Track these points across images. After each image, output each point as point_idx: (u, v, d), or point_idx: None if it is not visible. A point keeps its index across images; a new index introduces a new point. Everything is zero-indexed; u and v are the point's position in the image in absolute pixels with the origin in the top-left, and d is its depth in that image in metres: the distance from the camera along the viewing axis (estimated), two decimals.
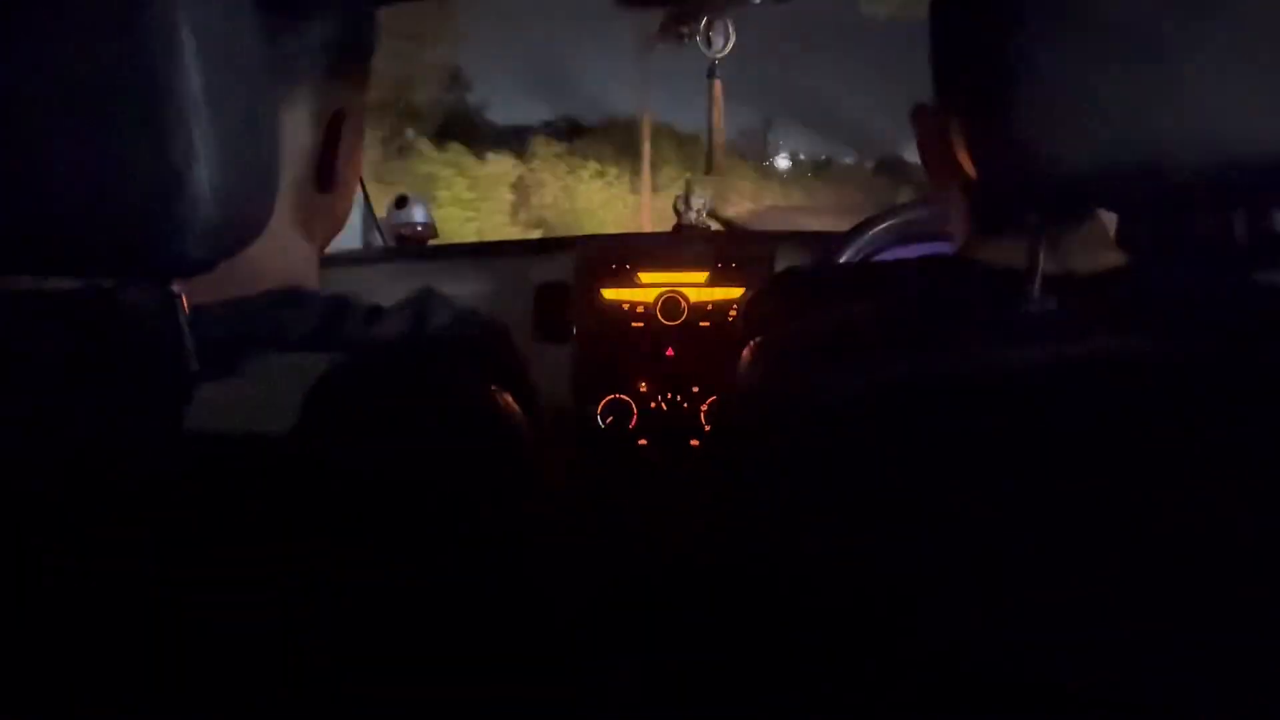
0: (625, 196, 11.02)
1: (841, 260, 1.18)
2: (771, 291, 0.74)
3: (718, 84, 1.31)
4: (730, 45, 1.26)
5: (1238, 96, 0.42)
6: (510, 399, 0.63)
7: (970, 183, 0.56)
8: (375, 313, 0.59)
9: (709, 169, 1.34)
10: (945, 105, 0.61)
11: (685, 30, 1.20)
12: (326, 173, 0.58)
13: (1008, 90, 0.46)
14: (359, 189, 1.47)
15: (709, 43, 1.23)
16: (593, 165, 10.77)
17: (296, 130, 0.54)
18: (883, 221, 1.19)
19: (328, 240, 0.62)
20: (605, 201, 10.69)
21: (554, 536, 0.59)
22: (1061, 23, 0.44)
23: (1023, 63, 0.45)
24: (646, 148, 10.28)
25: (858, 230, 1.20)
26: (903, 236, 1.21)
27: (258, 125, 0.45)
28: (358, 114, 0.60)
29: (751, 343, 0.63)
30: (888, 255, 1.26)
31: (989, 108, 0.48)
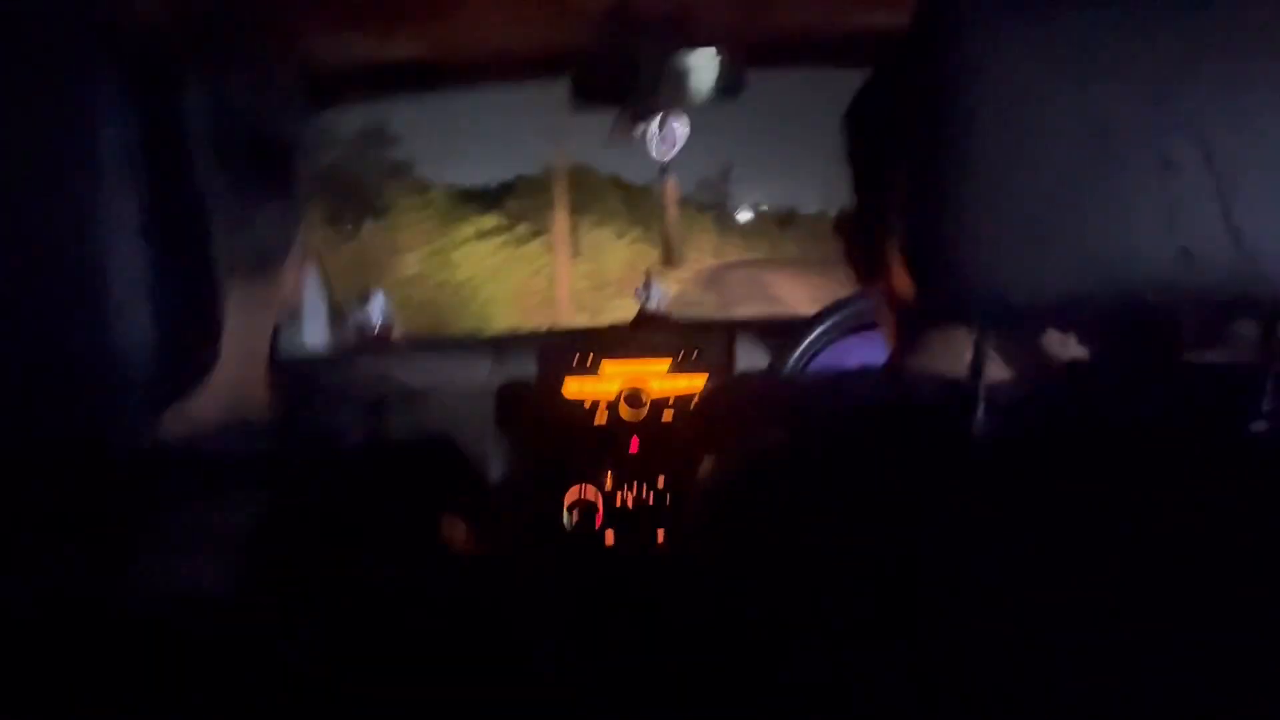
0: (538, 258, 9.22)
1: (799, 350, 1.19)
2: (721, 400, 0.74)
3: (671, 182, 1.34)
4: (681, 145, 1.29)
5: (1190, 213, 0.42)
6: (464, 525, 0.63)
7: (900, 291, 0.57)
8: (325, 435, 0.59)
9: (667, 261, 1.36)
10: (871, 213, 0.61)
11: (637, 132, 1.23)
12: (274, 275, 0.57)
13: (948, 203, 0.46)
14: (322, 283, 1.46)
15: (661, 142, 1.26)
16: (488, 220, 8.78)
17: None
18: (834, 315, 1.22)
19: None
20: (499, 268, 8.41)
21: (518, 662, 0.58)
22: (1004, 132, 0.43)
23: (965, 171, 0.45)
24: (561, 213, 8.81)
25: (814, 321, 1.22)
26: (855, 327, 1.23)
27: (205, 273, 0.45)
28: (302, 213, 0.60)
29: (706, 460, 0.63)
30: (844, 344, 1.28)
31: (928, 220, 0.48)
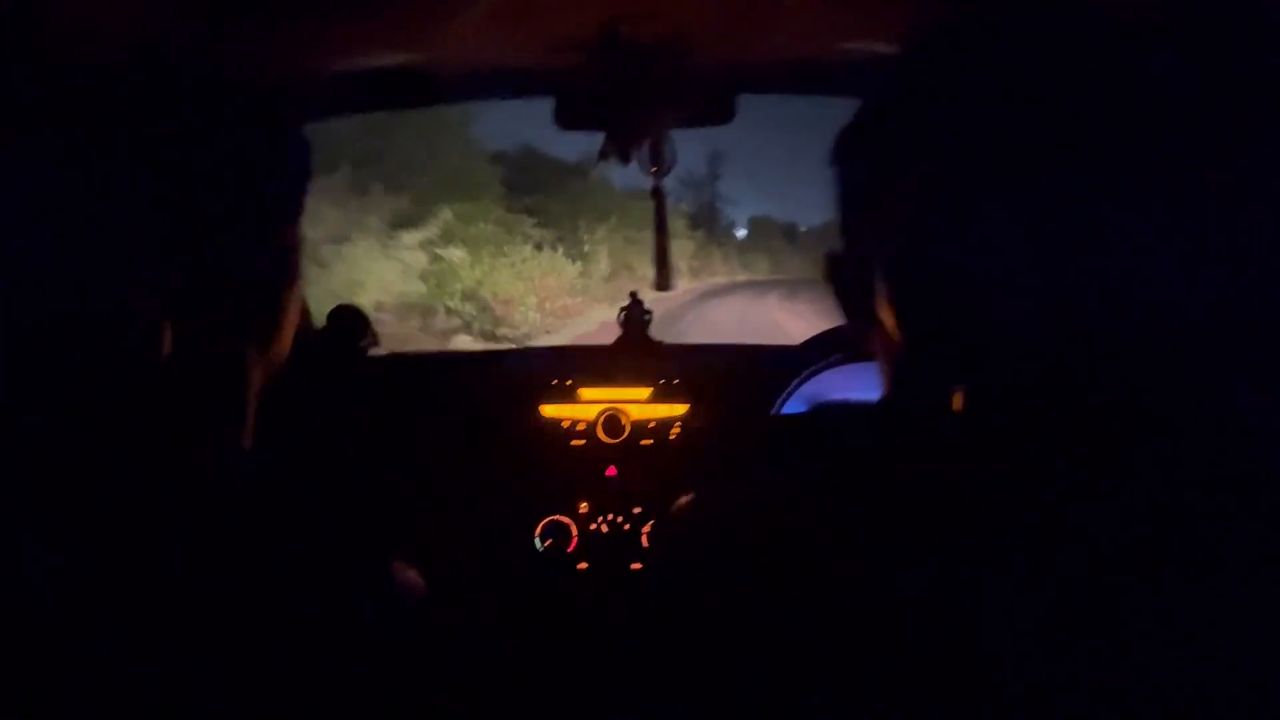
0: None
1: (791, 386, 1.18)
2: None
3: (664, 201, 1.31)
4: (673, 164, 1.27)
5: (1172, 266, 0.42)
6: (412, 574, 0.62)
7: (891, 333, 0.56)
8: (282, 483, 0.58)
9: (660, 285, 1.33)
10: (861, 251, 0.60)
11: (627, 152, 1.20)
12: (272, 321, 0.56)
13: (934, 251, 0.46)
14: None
15: (651, 163, 1.24)
16: None
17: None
18: (823, 349, 1.20)
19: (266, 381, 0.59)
20: None
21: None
22: (989, 180, 0.43)
23: (953, 219, 0.45)
24: None
25: (804, 354, 1.20)
26: (841, 360, 1.21)
27: None
28: (296, 254, 0.58)
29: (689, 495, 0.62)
30: (828, 376, 1.26)
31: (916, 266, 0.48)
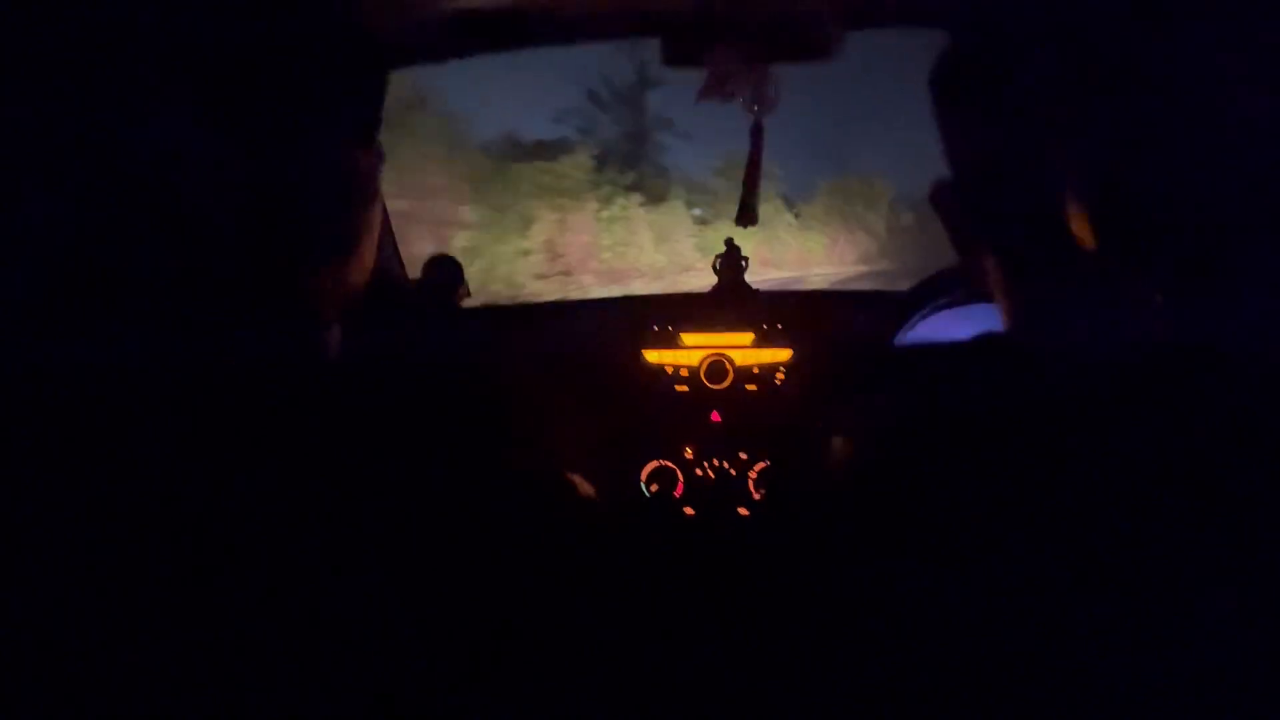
0: None
1: (906, 325, 1.15)
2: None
3: (761, 140, 1.29)
4: (776, 104, 1.24)
5: None
6: (581, 480, 0.62)
7: (1018, 257, 0.53)
8: (421, 400, 0.59)
9: (744, 218, 1.30)
10: (979, 180, 0.58)
11: (732, 90, 1.18)
12: (345, 238, 0.56)
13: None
14: (390, 250, 1.45)
15: (753, 100, 1.21)
16: None
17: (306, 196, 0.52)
18: (935, 289, 1.17)
19: (347, 307, 0.60)
20: None
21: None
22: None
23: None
24: None
25: (916, 296, 1.17)
26: (957, 300, 1.18)
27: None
28: (375, 171, 0.59)
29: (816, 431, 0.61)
30: (934, 320, 1.23)
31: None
